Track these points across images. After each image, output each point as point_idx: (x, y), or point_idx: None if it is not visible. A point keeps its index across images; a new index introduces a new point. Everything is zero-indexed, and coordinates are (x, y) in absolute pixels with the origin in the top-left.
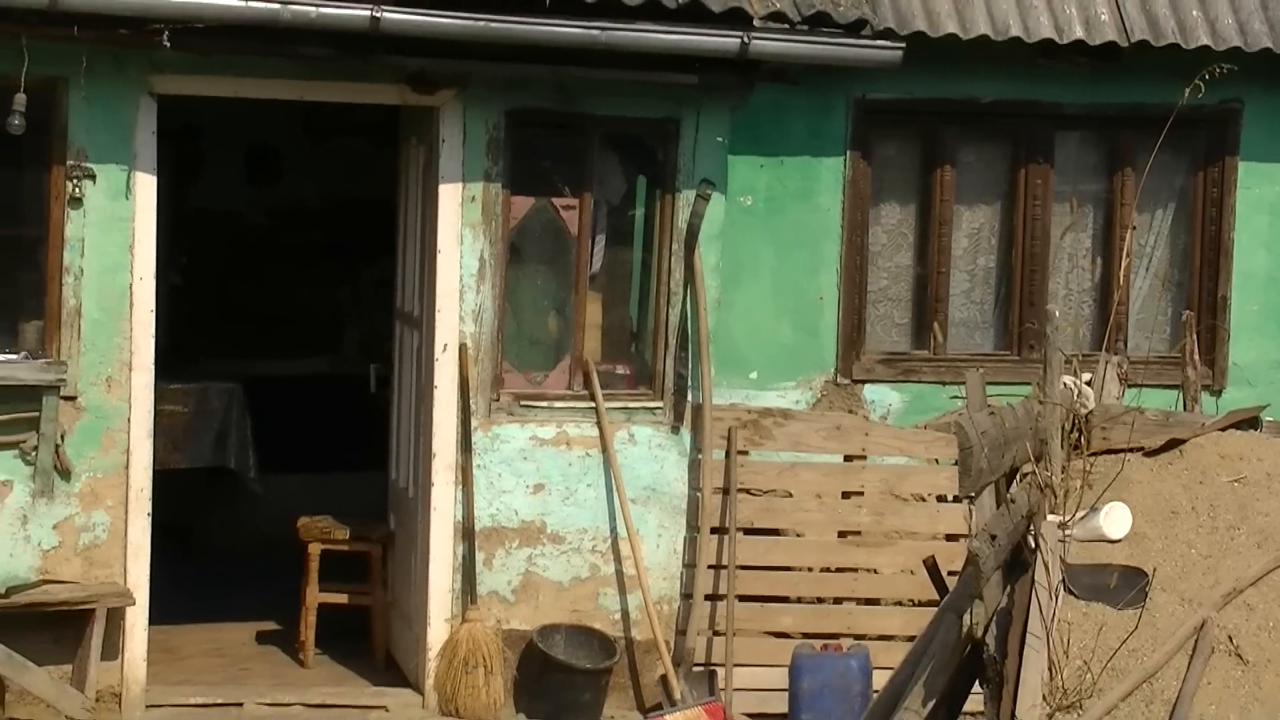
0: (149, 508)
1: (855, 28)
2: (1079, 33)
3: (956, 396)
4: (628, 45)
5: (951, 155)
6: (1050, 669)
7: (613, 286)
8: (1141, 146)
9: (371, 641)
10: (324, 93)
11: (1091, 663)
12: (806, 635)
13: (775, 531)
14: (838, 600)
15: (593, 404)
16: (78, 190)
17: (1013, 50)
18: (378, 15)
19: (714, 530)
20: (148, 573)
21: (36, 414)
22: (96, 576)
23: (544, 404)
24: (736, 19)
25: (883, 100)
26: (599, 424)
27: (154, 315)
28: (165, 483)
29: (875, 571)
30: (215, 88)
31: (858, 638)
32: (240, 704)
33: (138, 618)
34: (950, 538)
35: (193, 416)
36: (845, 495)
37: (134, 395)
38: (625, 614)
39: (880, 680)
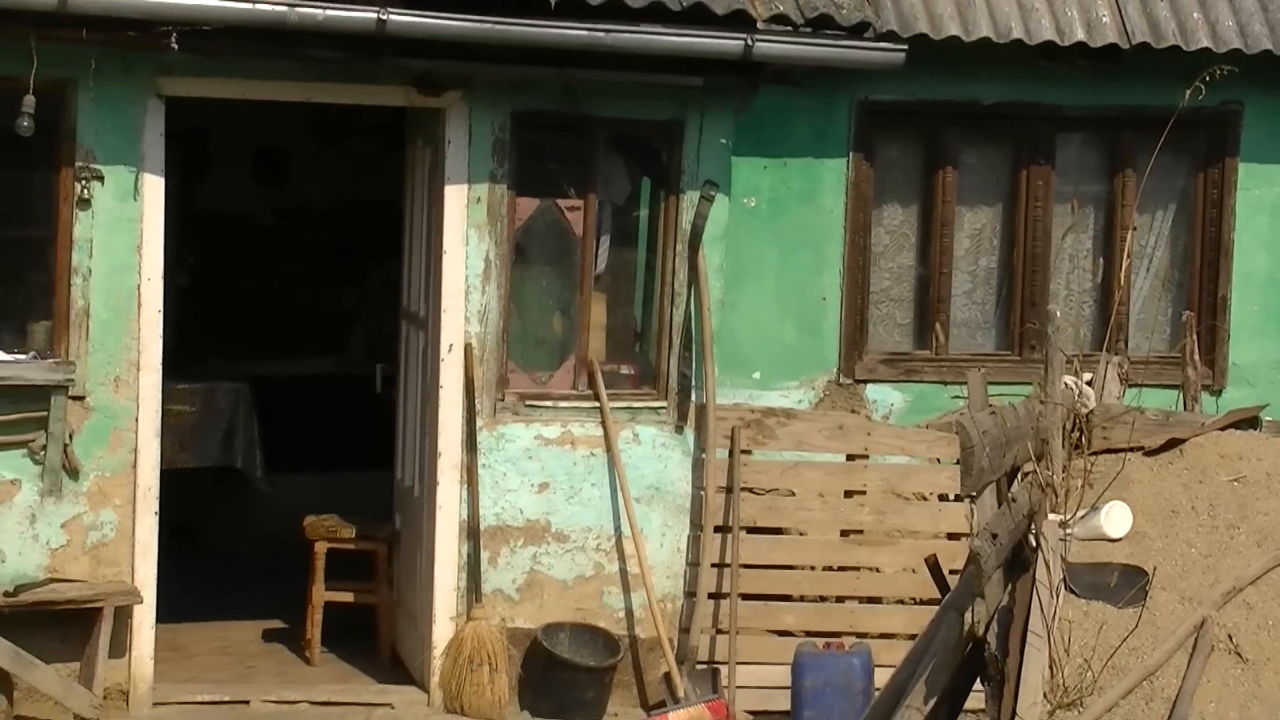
0: (156, 506)
1: (858, 30)
2: (1080, 35)
3: (958, 396)
4: (632, 47)
5: (953, 157)
6: (1051, 667)
7: (617, 287)
8: (1142, 148)
9: (377, 639)
10: (331, 94)
11: (1092, 661)
12: (809, 633)
13: (778, 530)
14: (840, 599)
15: (597, 404)
16: (86, 191)
17: (1014, 52)
18: (384, 17)
19: (717, 529)
20: (155, 571)
21: (45, 413)
22: (104, 575)
23: (549, 403)
24: (740, 21)
25: (885, 102)
26: (603, 423)
27: (162, 315)
28: (173, 482)
29: (877, 570)
30: (223, 90)
31: (860, 636)
32: (247, 701)
33: (145, 616)
34: (952, 536)
35: (200, 416)
36: (848, 494)
37: (142, 395)
38: (629, 612)
39: (882, 678)
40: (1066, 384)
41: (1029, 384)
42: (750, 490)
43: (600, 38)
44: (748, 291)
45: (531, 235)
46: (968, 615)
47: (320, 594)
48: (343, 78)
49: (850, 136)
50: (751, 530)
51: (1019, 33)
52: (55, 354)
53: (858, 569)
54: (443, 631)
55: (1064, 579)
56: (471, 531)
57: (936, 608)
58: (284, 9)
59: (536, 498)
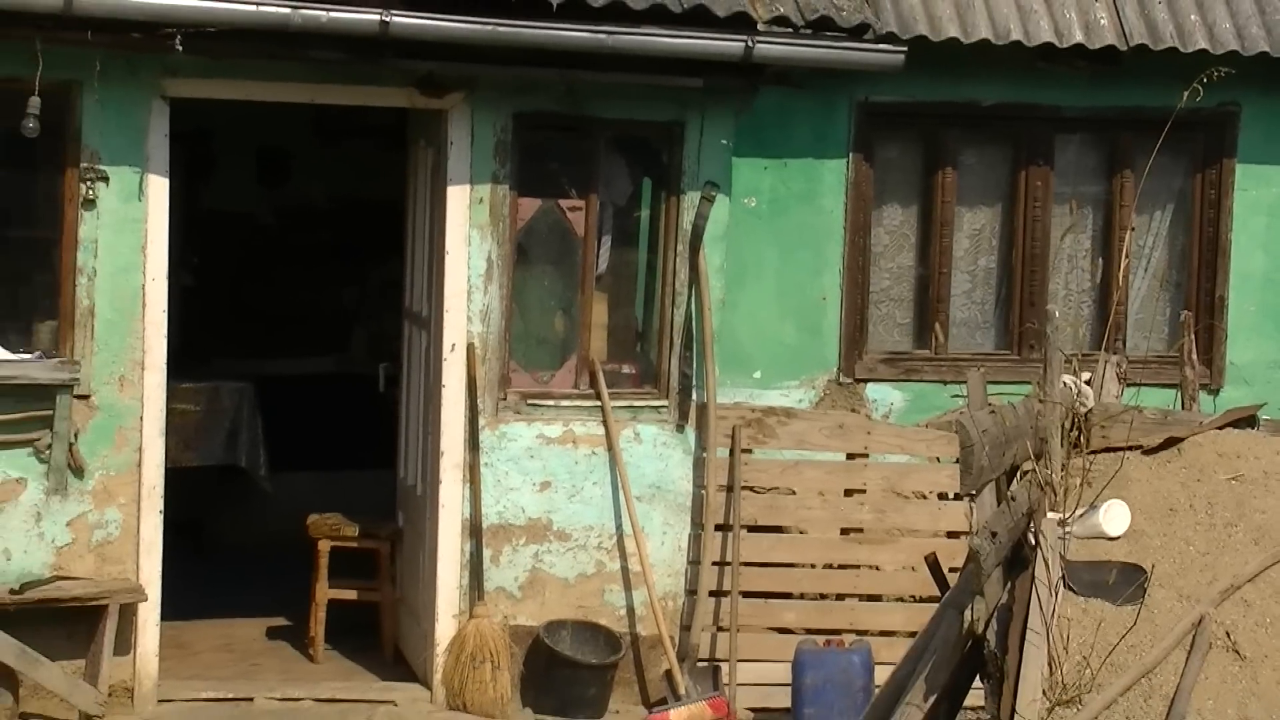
0: (161, 505)
1: (858, 32)
2: (1078, 37)
3: (957, 395)
4: (634, 49)
5: (953, 157)
6: (1050, 664)
7: (619, 287)
8: (1140, 149)
9: (380, 637)
10: (334, 96)
11: (1091, 658)
12: (809, 631)
13: (778, 529)
14: (840, 596)
15: (599, 403)
16: (91, 192)
17: (1013, 54)
18: (387, 19)
19: (718, 527)
20: (160, 569)
21: (50, 412)
22: (109, 573)
23: (550, 403)
24: (741, 23)
25: (885, 103)
26: (605, 422)
27: (166, 315)
28: (177, 480)
29: (877, 568)
30: (227, 91)
31: (860, 633)
32: (251, 698)
33: (150, 613)
34: (951, 535)
35: (204, 415)
36: (848, 493)
37: (146, 394)
38: (630, 610)
39: (882, 675)
40: (1065, 383)
41: (1028, 383)
42: (751, 489)
43: (602, 39)
44: (748, 291)
45: (533, 235)
46: (967, 613)
47: (324, 592)
48: (346, 79)
49: (850, 137)
50: (752, 529)
51: (1018, 34)
52: (61, 353)
53: (858, 567)
54: (445, 629)
55: (1063, 577)
56: (474, 530)
57: (936, 605)
58: (287, 11)
59: (538, 496)
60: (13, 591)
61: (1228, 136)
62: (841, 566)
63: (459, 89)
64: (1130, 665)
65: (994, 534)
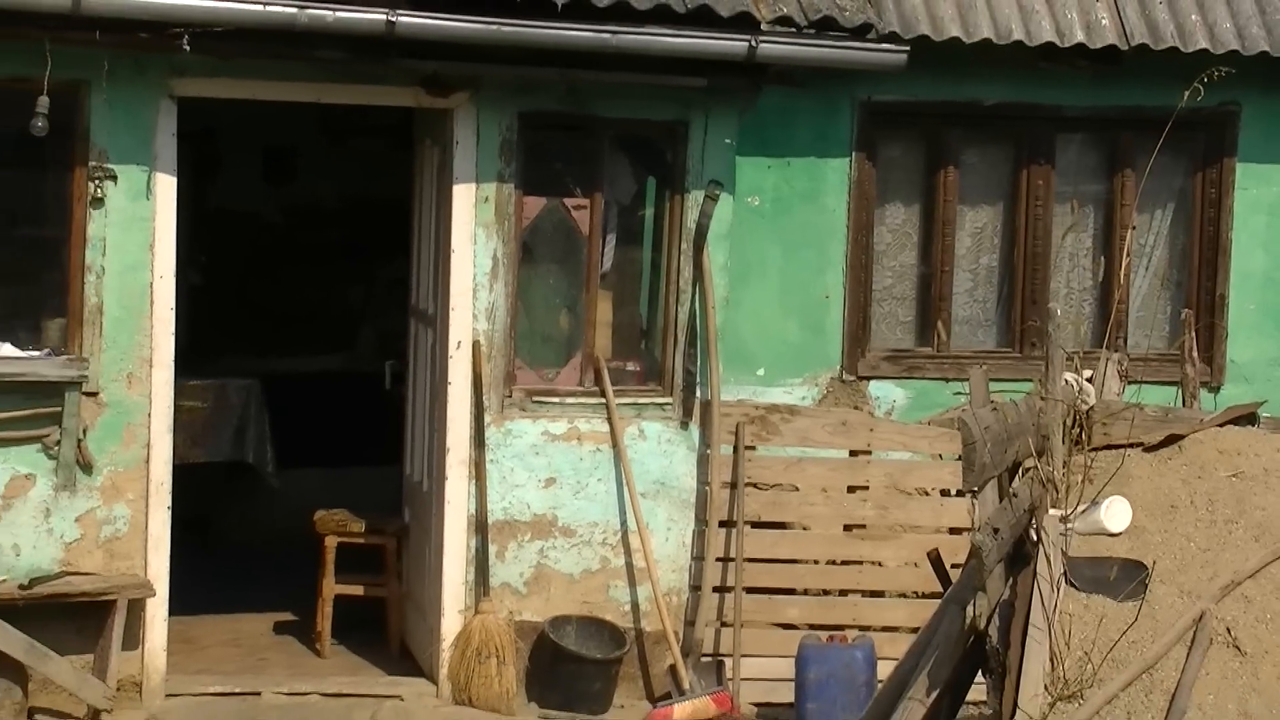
0: (169, 501)
1: (860, 31)
2: (1080, 36)
3: (960, 393)
4: (638, 49)
5: (955, 157)
6: (1052, 659)
7: (623, 285)
8: (1141, 148)
9: (387, 632)
10: (340, 95)
11: (1092, 653)
12: (812, 626)
13: (782, 525)
14: (843, 592)
15: (603, 400)
16: (99, 191)
17: (1015, 54)
18: (393, 19)
19: (722, 524)
20: (168, 564)
21: (59, 409)
22: (117, 568)
23: (555, 400)
24: (744, 23)
25: (887, 103)
26: (609, 419)
27: (174, 313)
28: (185, 477)
29: (880, 564)
30: (234, 90)
31: (863, 629)
32: (258, 693)
33: (158, 608)
34: (954, 531)
35: (212, 412)
36: (850, 489)
37: (154, 391)
38: (635, 605)
39: (885, 671)
40: (1067, 381)
41: (1030, 381)
42: (754, 485)
43: (606, 39)
44: (752, 289)
45: (538, 234)
46: (969, 608)
47: (330, 587)
48: (352, 78)
49: (853, 137)
50: (756, 525)
51: (1019, 34)
52: (69, 351)
53: (861, 563)
54: (451, 624)
55: (1064, 573)
56: (479, 526)
57: (939, 601)
58: (294, 11)
59: (543, 493)
60: (22, 587)
61: (1228, 136)
62: (844, 562)
63: (464, 88)
64: (1131, 660)
65: (996, 530)
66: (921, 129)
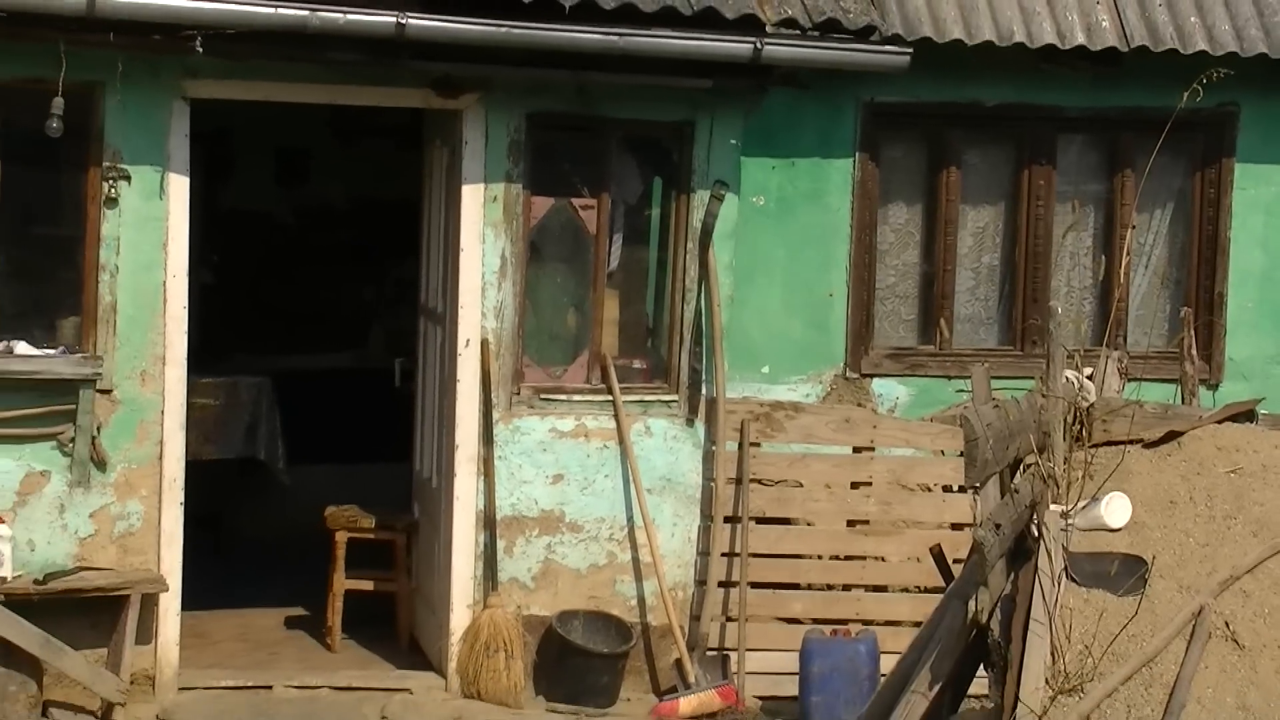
0: (181, 497)
1: (864, 34)
2: (1080, 38)
3: (962, 390)
4: (645, 51)
5: (957, 157)
6: (1053, 653)
7: (630, 284)
8: (1141, 148)
9: (396, 626)
10: (351, 96)
11: (1093, 647)
12: (816, 621)
13: (786, 520)
14: (847, 587)
15: (610, 397)
16: (113, 191)
17: (1016, 56)
18: (403, 21)
19: (727, 519)
20: (180, 560)
21: (74, 407)
22: (131, 563)
23: (563, 397)
24: (749, 25)
25: (890, 104)
26: (616, 417)
27: (186, 311)
28: (197, 473)
29: (883, 559)
30: (246, 92)
31: (866, 623)
32: (269, 686)
33: (170, 603)
34: (956, 527)
35: (224, 409)
36: (854, 485)
37: (167, 389)
38: (641, 600)
39: (888, 664)
40: (1068, 378)
41: (1031, 378)
42: (759, 481)
43: (614, 41)
44: (757, 288)
45: (546, 233)
46: (971, 603)
47: (341, 582)
48: (363, 80)
49: (856, 137)
50: (760, 520)
51: (1021, 36)
52: (83, 349)
53: (864, 558)
54: (460, 619)
55: (1065, 568)
56: (488, 521)
57: (941, 596)
58: (305, 13)
59: (551, 489)
60: (37, 582)
61: (1227, 136)
62: (848, 558)
63: (473, 90)
64: (1131, 654)
65: (998, 526)
66: (924, 130)
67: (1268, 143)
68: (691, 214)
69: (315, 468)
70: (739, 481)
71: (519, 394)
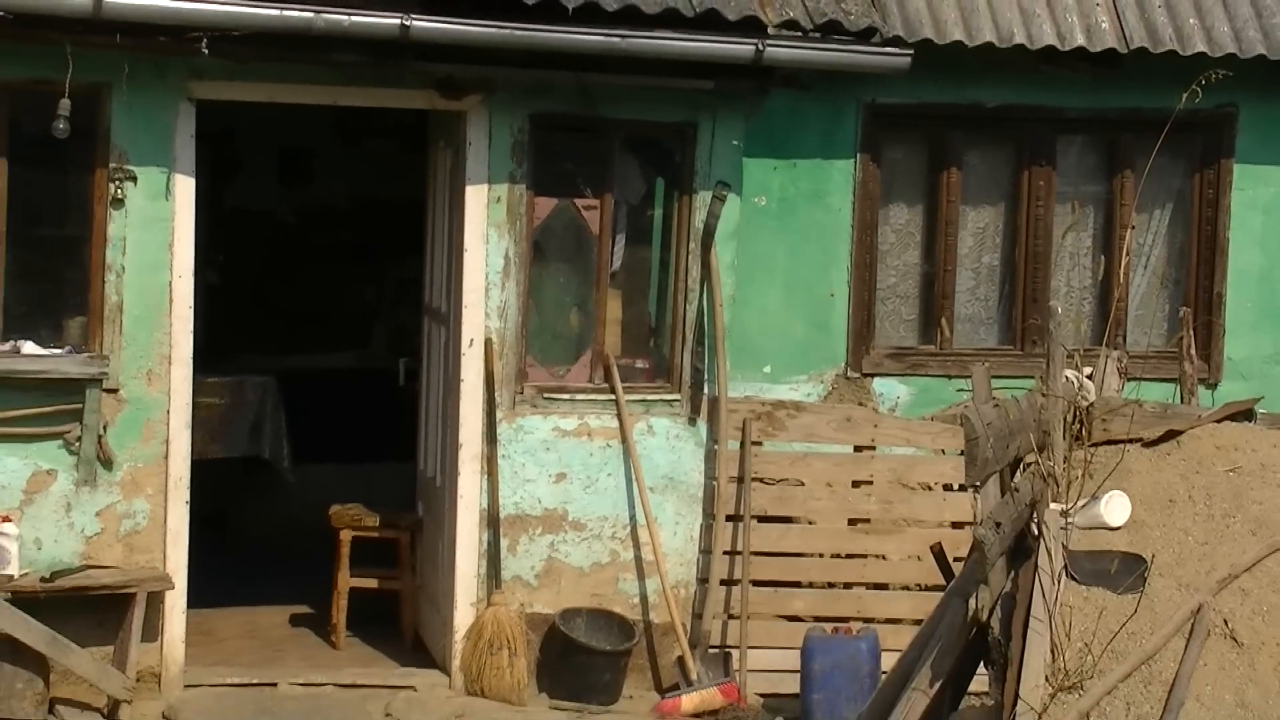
0: (187, 495)
1: (865, 35)
2: (1080, 40)
3: (962, 390)
4: (647, 52)
5: (957, 158)
6: (1053, 651)
7: (632, 284)
8: (1140, 149)
9: (400, 624)
10: (355, 98)
11: (1092, 645)
12: (818, 619)
13: (788, 519)
14: (848, 585)
15: (613, 396)
16: (119, 191)
17: (1016, 57)
18: (407, 23)
19: (729, 518)
20: (186, 558)
21: (80, 406)
22: (137, 561)
23: (566, 396)
24: (751, 27)
25: (891, 105)
26: (619, 416)
27: (192, 311)
28: (202, 472)
29: (884, 558)
30: (251, 93)
31: (867, 621)
32: (274, 684)
33: (176, 601)
34: (956, 525)
35: (229, 409)
36: (855, 484)
37: (173, 388)
38: (644, 598)
39: (889, 662)
40: (1067, 378)
41: (1031, 378)
42: (761, 480)
43: (616, 43)
44: (758, 288)
45: (549, 234)
46: (972, 601)
47: (345, 580)
48: (367, 81)
49: (857, 138)
50: (762, 519)
51: (1021, 38)
52: (90, 349)
53: (865, 556)
54: (464, 617)
55: (1065, 566)
56: (491, 520)
57: (942, 594)
58: (310, 15)
59: (554, 487)
60: (44, 580)
61: (1225, 137)
62: (849, 556)
63: (477, 91)
64: (1130, 652)
65: (998, 524)
66: (925, 131)
67: (1266, 143)
68: (694, 214)
69: (320, 467)
70: (741, 480)
71: (522, 393)
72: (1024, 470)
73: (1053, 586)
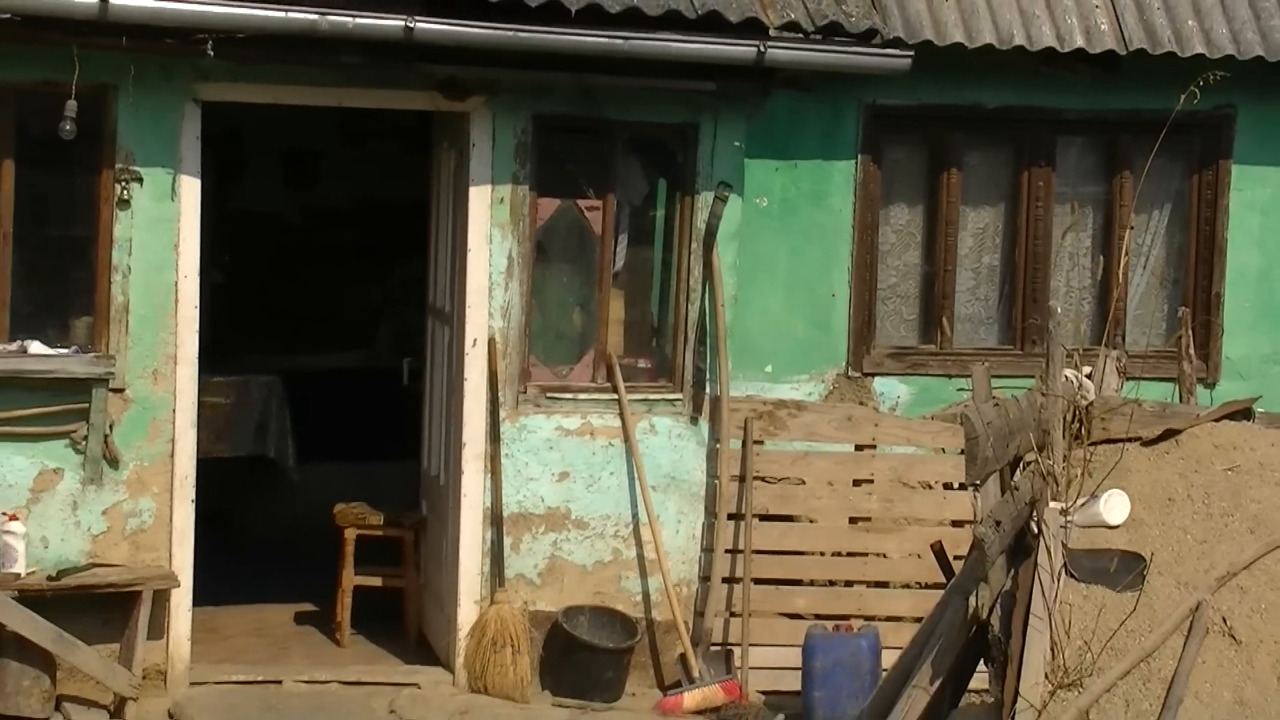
0: (193, 494)
1: (866, 37)
2: (1080, 41)
3: (962, 389)
4: (649, 54)
5: (958, 159)
6: (1052, 649)
7: (635, 284)
8: (1139, 150)
9: (404, 622)
10: (360, 99)
11: (1092, 643)
12: (819, 616)
13: (789, 517)
14: (849, 583)
15: (615, 396)
16: (126, 192)
17: (1016, 58)
18: (411, 25)
19: (731, 516)
20: (192, 556)
21: (86, 405)
22: (143, 560)
23: (569, 396)
24: (753, 29)
25: (892, 106)
26: (621, 415)
27: (198, 311)
28: (208, 471)
29: (885, 556)
30: (257, 95)
31: (868, 619)
32: (279, 681)
33: (182, 599)
34: (956, 523)
35: (234, 408)
36: (856, 483)
37: (179, 387)
38: (646, 596)
39: (889, 659)
40: (1067, 377)
41: (1031, 377)
42: (762, 479)
43: (619, 44)
44: (760, 288)
45: (552, 234)
46: (972, 599)
47: (350, 578)
48: (371, 83)
49: (858, 139)
50: (764, 517)
51: (1021, 39)
52: (96, 348)
53: (866, 555)
54: (467, 614)
55: (1065, 564)
56: (495, 518)
57: (942, 592)
58: (315, 17)
59: (557, 486)
60: (50, 578)
61: (1224, 138)
62: (850, 554)
63: (480, 92)
64: (1130, 650)
65: (998, 523)
66: (925, 132)
67: (1264, 144)
68: (696, 215)
69: (324, 466)
70: (742, 479)
71: (525, 393)
72: (1024, 469)
73: (1052, 584)
